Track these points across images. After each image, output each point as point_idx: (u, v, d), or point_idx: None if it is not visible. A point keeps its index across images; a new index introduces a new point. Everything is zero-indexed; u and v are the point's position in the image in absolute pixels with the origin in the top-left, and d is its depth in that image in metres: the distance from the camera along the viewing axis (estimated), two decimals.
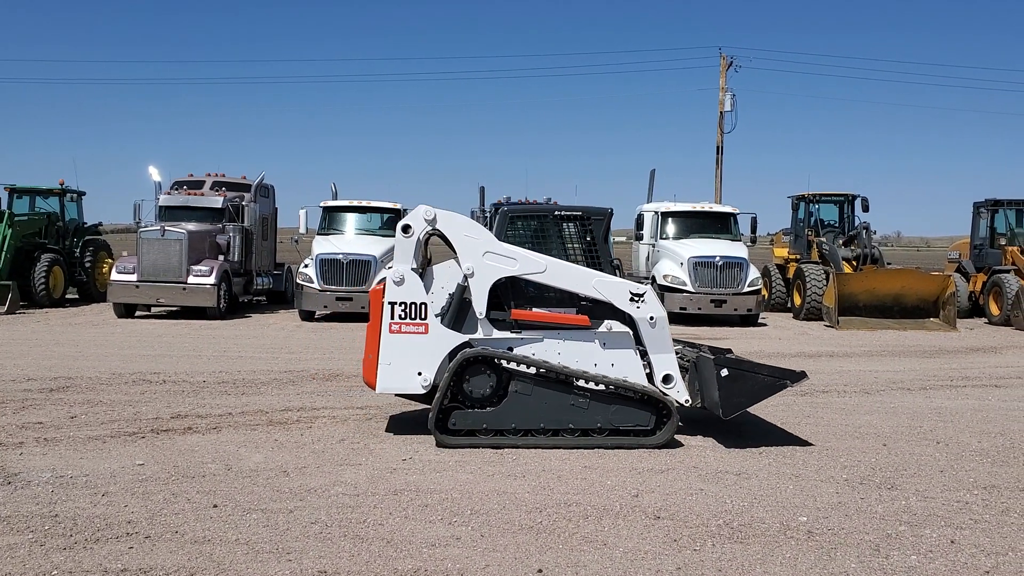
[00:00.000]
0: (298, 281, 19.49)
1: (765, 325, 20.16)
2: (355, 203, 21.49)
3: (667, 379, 7.64)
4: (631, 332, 7.70)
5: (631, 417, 7.46)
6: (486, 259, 7.59)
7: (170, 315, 19.50)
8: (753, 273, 19.98)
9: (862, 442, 7.71)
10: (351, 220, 21.25)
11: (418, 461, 6.82)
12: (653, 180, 25.24)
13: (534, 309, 7.77)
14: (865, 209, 23.28)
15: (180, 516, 5.37)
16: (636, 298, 7.70)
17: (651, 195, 24.98)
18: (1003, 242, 22.46)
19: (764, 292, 23.13)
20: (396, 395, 7.98)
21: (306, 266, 19.41)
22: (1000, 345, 16.39)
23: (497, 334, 7.60)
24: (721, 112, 35.27)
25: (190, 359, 12.50)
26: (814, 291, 20.88)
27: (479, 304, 7.56)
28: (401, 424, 8.20)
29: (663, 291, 19.78)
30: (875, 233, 23.30)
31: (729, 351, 8.66)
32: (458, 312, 7.62)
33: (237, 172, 22.77)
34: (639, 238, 22.55)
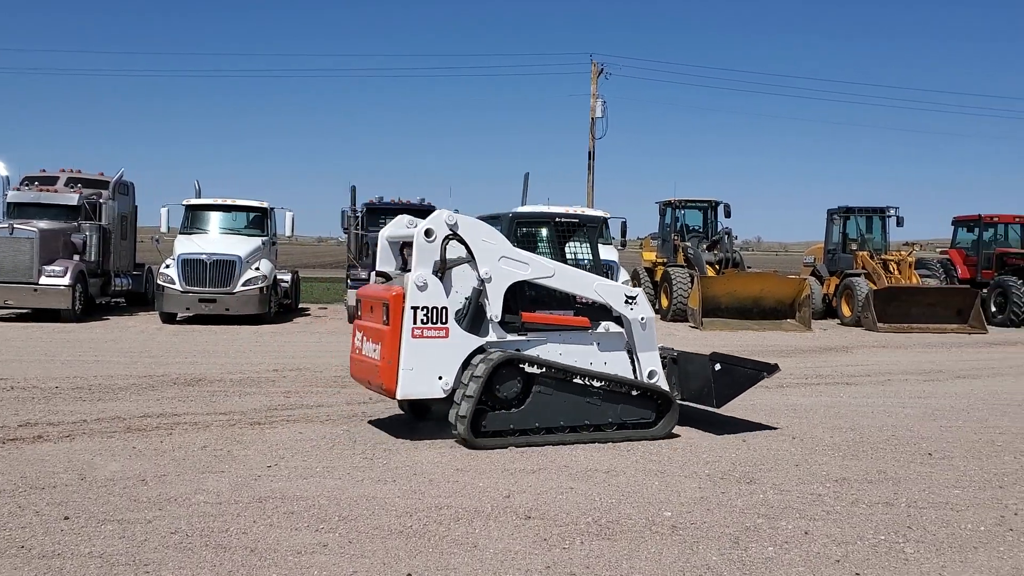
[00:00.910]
0: (159, 282, 18.78)
1: None
2: (219, 201, 20.85)
3: (651, 374, 8.15)
4: (624, 333, 8.15)
5: (635, 412, 7.93)
6: (502, 264, 7.71)
7: (20, 318, 18.40)
8: (623, 276, 20.43)
9: (723, 438, 7.97)
10: (215, 219, 20.61)
11: (284, 467, 6.63)
12: (527, 184, 25.45)
13: (537, 312, 8.00)
14: (727, 215, 24.21)
15: (27, 530, 5.04)
16: (630, 300, 8.21)
17: (525, 199, 25.18)
18: (854, 247, 23.76)
19: None
20: (412, 400, 7.88)
21: (167, 266, 18.72)
22: (851, 345, 17.32)
23: (511, 337, 7.76)
24: (593, 118, 35.96)
25: (42, 364, 11.82)
26: (680, 294, 21.55)
27: (495, 307, 7.67)
28: (266, 430, 7.97)
29: None
30: (737, 238, 24.27)
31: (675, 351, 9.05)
32: (475, 316, 7.64)
33: (95, 169, 21.71)
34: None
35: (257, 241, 20.07)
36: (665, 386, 8.18)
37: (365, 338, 7.89)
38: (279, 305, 20.68)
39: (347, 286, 20.16)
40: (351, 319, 19.82)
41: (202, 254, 18.70)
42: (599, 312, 8.17)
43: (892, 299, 20.69)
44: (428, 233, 7.56)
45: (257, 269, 19.04)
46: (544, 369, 7.63)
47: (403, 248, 8.27)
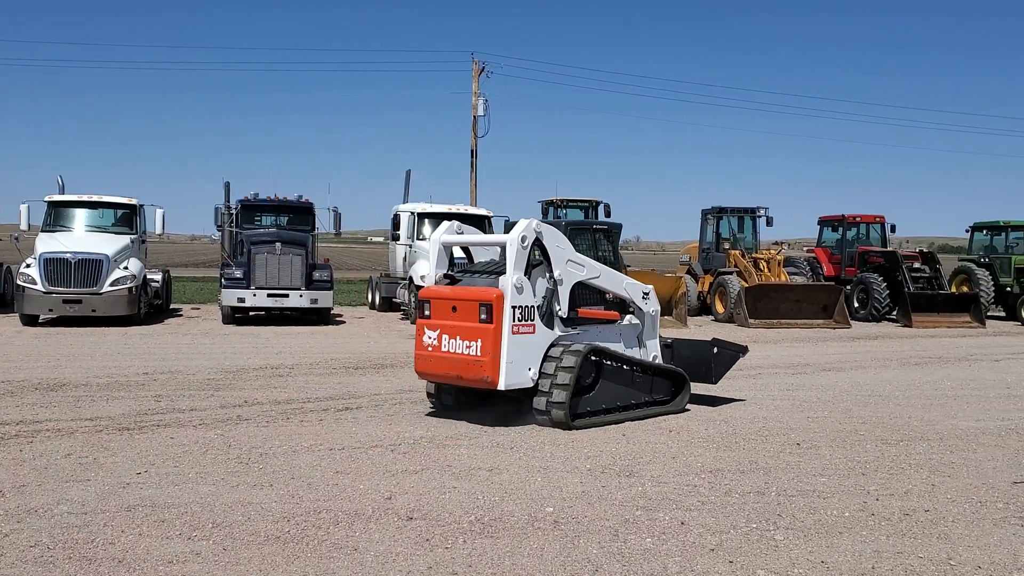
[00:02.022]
0: (19, 282, 17.77)
1: None
2: (85, 198, 19.89)
3: (654, 358, 9.51)
4: (638, 324, 9.41)
5: (659, 391, 9.17)
6: (568, 266, 8.60)
7: None
8: None
9: (604, 433, 8.09)
10: (80, 216, 19.68)
11: (155, 474, 6.36)
12: (409, 181, 25.30)
13: (588, 308, 9.01)
14: (608, 214, 24.68)
15: None
16: (645, 296, 9.51)
17: (407, 196, 25.03)
18: (727, 246, 24.61)
19: None
20: (509, 390, 8.22)
21: (28, 266, 17.75)
22: None
23: (569, 331, 8.64)
24: (475, 116, 36.01)
25: None
26: None
27: (563, 305, 8.51)
28: (135, 435, 7.64)
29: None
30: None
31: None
32: (549, 313, 8.44)
33: None
34: (395, 238, 22.52)
35: (125, 239, 19.23)
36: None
37: (448, 336, 8.35)
38: (149, 306, 19.87)
39: (221, 285, 19.54)
40: (226, 319, 19.40)
41: (66, 253, 17.79)
42: (621, 307, 9.35)
43: (762, 296, 21.51)
44: (523, 240, 8.21)
45: (125, 268, 18.24)
46: (608, 358, 8.70)
47: (451, 250, 9.40)
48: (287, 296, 19.17)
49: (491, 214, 22.51)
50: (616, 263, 9.38)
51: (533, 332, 8.22)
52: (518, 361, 8.11)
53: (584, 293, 8.95)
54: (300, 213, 21.19)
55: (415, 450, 7.26)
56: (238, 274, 19.12)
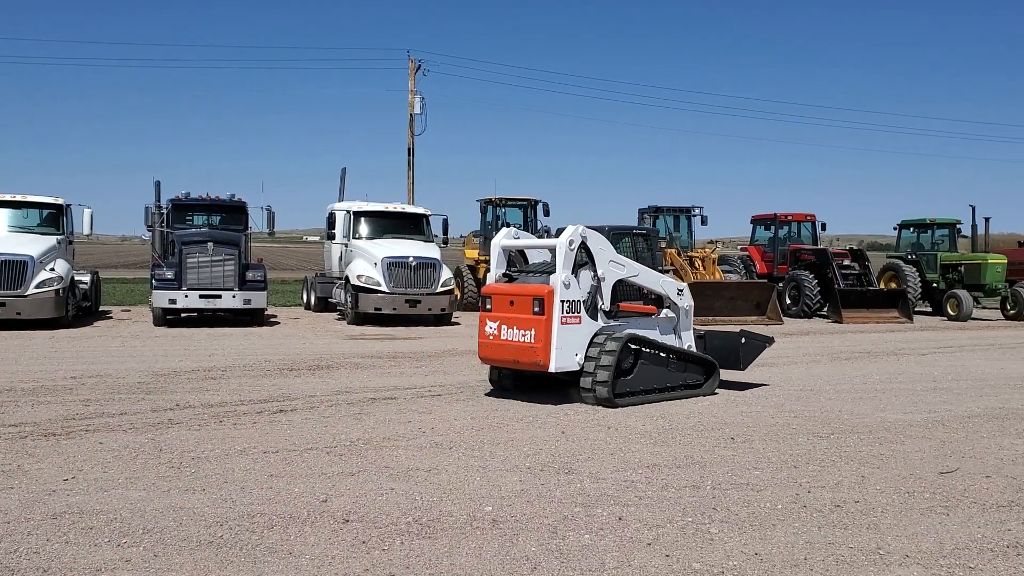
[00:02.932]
0: None
1: (459, 324, 20.75)
2: (8, 197, 19.29)
3: (689, 347, 10.66)
4: (673, 317, 10.61)
5: (692, 376, 10.33)
6: (610, 266, 9.89)
7: None
8: (446, 273, 20.48)
9: (544, 431, 8.11)
10: (3, 217, 19.18)
11: (82, 480, 6.17)
12: (344, 179, 25.07)
13: (630, 303, 10.25)
14: (547, 213, 24.79)
15: None
16: (680, 292, 10.73)
17: (343, 194, 24.81)
18: (663, 245, 24.86)
19: (457, 292, 23.83)
20: (558, 372, 9.41)
21: None
22: None
23: (612, 322, 9.88)
24: (411, 115, 35.84)
25: None
26: None
27: (606, 299, 9.82)
28: (62, 441, 7.41)
29: (357, 291, 19.70)
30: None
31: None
32: (594, 307, 9.71)
33: None
34: (331, 237, 22.30)
35: (51, 240, 18.69)
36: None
37: (507, 326, 9.61)
38: (77, 308, 19.33)
39: (152, 287, 19.11)
40: (158, 321, 18.96)
41: None
42: (657, 301, 10.57)
43: (697, 294, 21.56)
44: (571, 243, 9.49)
45: (52, 270, 17.72)
46: (646, 346, 9.84)
47: (511, 253, 10.52)
48: (220, 297, 18.83)
49: (429, 212, 22.43)
50: (654, 263, 10.88)
51: (579, 323, 9.50)
52: (566, 347, 9.35)
53: (625, 289, 10.25)
54: (232, 212, 20.84)
55: (351, 452, 7.18)
56: (169, 275, 18.71)
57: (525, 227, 25.14)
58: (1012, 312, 25.10)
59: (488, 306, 9.90)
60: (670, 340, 10.52)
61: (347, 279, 20.28)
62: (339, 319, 21.40)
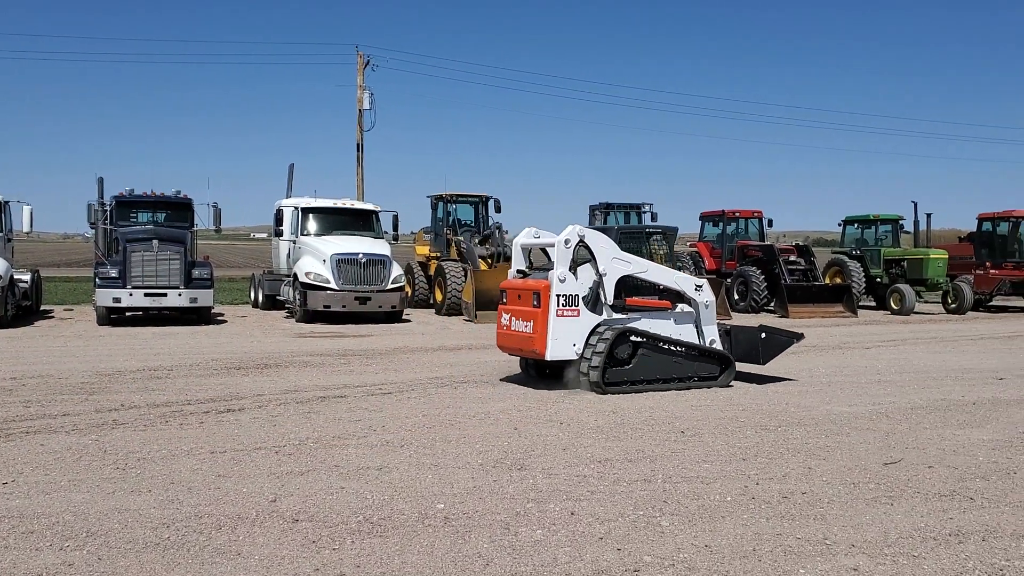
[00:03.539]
0: None
1: (409, 321, 20.65)
2: None
3: (712, 342, 10.86)
4: (694, 312, 10.86)
5: (706, 369, 10.67)
6: (613, 263, 10.36)
7: None
8: (396, 270, 20.36)
9: (496, 427, 8.11)
10: None
11: (23, 483, 6.01)
12: (292, 175, 24.79)
13: (635, 297, 10.65)
14: (498, 210, 24.77)
15: None
16: (698, 288, 10.93)
17: (291, 191, 24.53)
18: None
19: (408, 289, 23.71)
20: (556, 361, 10.17)
21: None
22: None
23: (617, 316, 10.35)
24: (360, 110, 35.56)
25: None
26: (454, 287, 21.78)
27: (609, 294, 10.30)
28: (2, 444, 7.21)
29: (306, 289, 19.50)
30: (507, 232, 24.85)
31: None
32: (595, 301, 10.22)
33: None
34: (279, 234, 22.04)
35: None
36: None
37: (515, 318, 10.37)
38: (17, 308, 18.85)
39: (95, 285, 18.70)
40: (101, 320, 18.56)
41: None
42: (675, 296, 10.85)
43: None
44: (567, 242, 10.11)
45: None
46: (645, 338, 10.24)
47: (530, 252, 11.08)
48: (165, 295, 18.50)
49: (378, 208, 22.28)
50: (671, 261, 11.44)
51: (577, 315, 10.09)
52: (562, 338, 9.98)
53: (640, 284, 10.73)
54: (178, 209, 20.50)
55: (301, 451, 7.09)
56: (113, 273, 18.33)
57: (476, 223, 25.10)
58: (953, 306, 25.72)
59: (504, 299, 10.71)
60: (688, 334, 10.77)
61: (295, 276, 20.06)
62: (287, 317, 21.16)
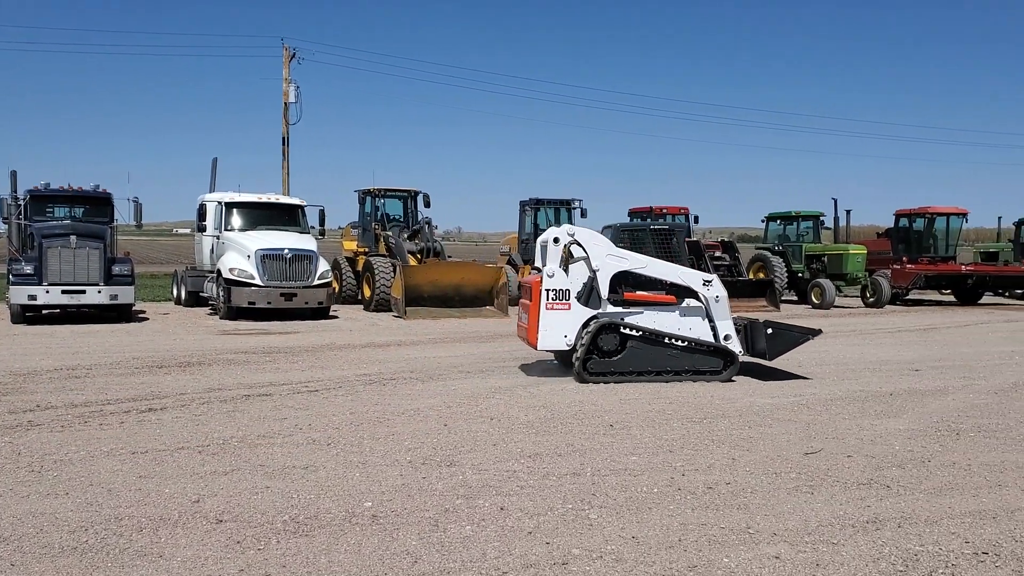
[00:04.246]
0: None
1: (337, 317, 20.42)
2: None
3: (727, 337, 10.91)
4: (703, 307, 10.94)
5: (707, 363, 10.78)
6: (607, 259, 10.75)
7: None
8: (323, 266, 20.11)
9: (425, 424, 8.07)
10: None
11: None
12: (215, 170, 24.29)
13: (638, 292, 10.93)
14: (427, 205, 24.64)
15: None
16: (706, 283, 10.99)
17: (214, 185, 24.04)
18: None
19: (335, 285, 23.46)
20: (550, 351, 11.05)
21: None
22: None
23: (614, 309, 10.76)
24: (286, 103, 35.04)
25: None
26: (383, 283, 21.61)
27: (603, 289, 10.71)
28: None
29: (230, 285, 19.14)
30: (437, 228, 24.77)
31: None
32: (589, 295, 10.68)
33: None
34: (202, 229, 21.58)
35: None
36: (736, 347, 10.90)
37: (522, 311, 11.36)
38: None
39: (9, 282, 18.04)
40: (16, 319, 17.93)
41: None
42: (684, 292, 10.95)
43: None
44: (556, 240, 10.74)
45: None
46: (633, 331, 10.60)
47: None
48: (84, 292, 17.96)
49: (304, 203, 22.00)
50: (679, 257, 11.63)
51: (568, 308, 10.66)
52: (552, 330, 10.63)
53: (650, 281, 11.00)
54: (97, 204, 19.92)
55: (225, 450, 6.95)
56: (28, 270, 17.71)
57: (405, 218, 24.95)
58: (871, 300, 26.52)
59: (521, 295, 11.73)
60: (699, 328, 10.87)
61: (219, 272, 19.66)
62: (211, 314, 20.73)
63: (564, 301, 10.66)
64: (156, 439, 7.34)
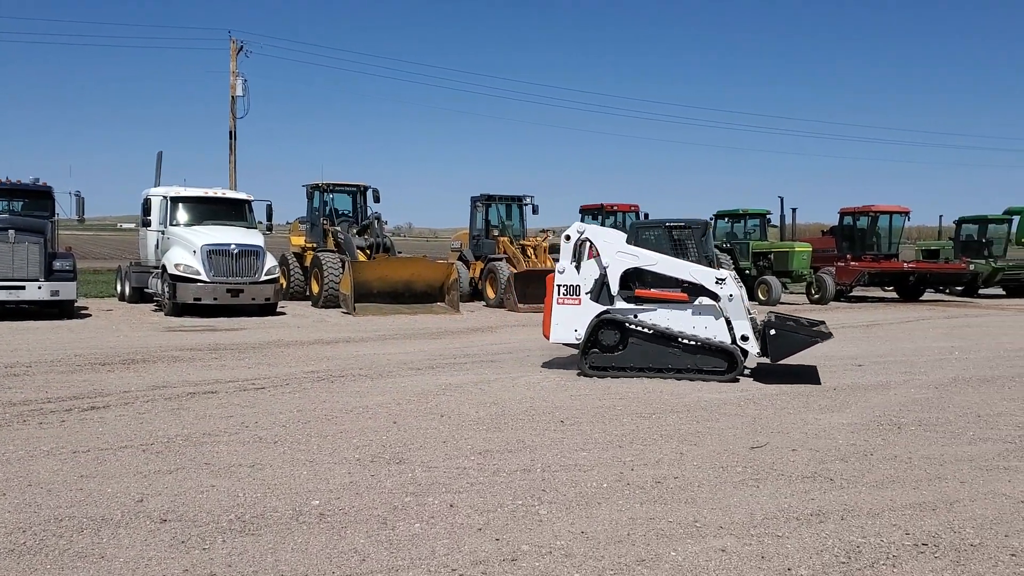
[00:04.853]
0: None
1: (284, 314, 20.19)
2: None
3: (744, 337, 10.68)
4: (717, 305, 10.64)
5: (711, 361, 10.57)
6: (617, 256, 10.90)
7: None
8: (271, 261, 19.87)
9: (374, 422, 8.01)
10: None
11: None
12: (161, 163, 23.83)
13: (652, 290, 10.93)
14: (376, 200, 24.45)
15: None
16: (719, 281, 10.68)
17: (159, 179, 23.58)
18: (496, 233, 25.14)
19: (283, 281, 23.19)
20: (562, 344, 11.28)
21: None
22: (495, 325, 18.30)
23: (625, 306, 10.88)
24: (233, 97, 34.55)
25: None
26: (331, 279, 21.42)
27: (613, 285, 10.90)
28: None
29: (175, 281, 18.82)
30: (387, 223, 24.60)
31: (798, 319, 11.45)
32: (600, 291, 10.90)
33: None
34: (147, 224, 21.17)
35: None
36: (752, 347, 10.66)
37: (544, 305, 11.40)
38: None
39: None
40: None
41: None
42: (700, 290, 10.71)
43: (530, 281, 22.16)
44: (567, 238, 11.09)
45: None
46: (634, 327, 10.67)
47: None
48: (23, 288, 17.50)
49: (252, 198, 21.69)
50: (697, 255, 11.35)
51: (578, 304, 10.94)
52: (563, 323, 10.99)
53: (666, 279, 10.94)
54: (37, 198, 19.45)
55: (169, 449, 6.83)
56: None
57: (354, 214, 24.75)
58: (816, 296, 26.98)
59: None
60: (714, 327, 10.65)
61: (164, 268, 19.31)
62: (156, 310, 20.36)
63: (575, 296, 10.98)
64: (98, 438, 7.18)
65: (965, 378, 11.06)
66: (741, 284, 11.11)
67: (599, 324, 10.71)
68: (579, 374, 10.75)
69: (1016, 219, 33.26)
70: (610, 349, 10.72)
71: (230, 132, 34.75)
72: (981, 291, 31.03)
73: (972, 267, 29.28)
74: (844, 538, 4.96)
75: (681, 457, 6.80)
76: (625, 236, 11.41)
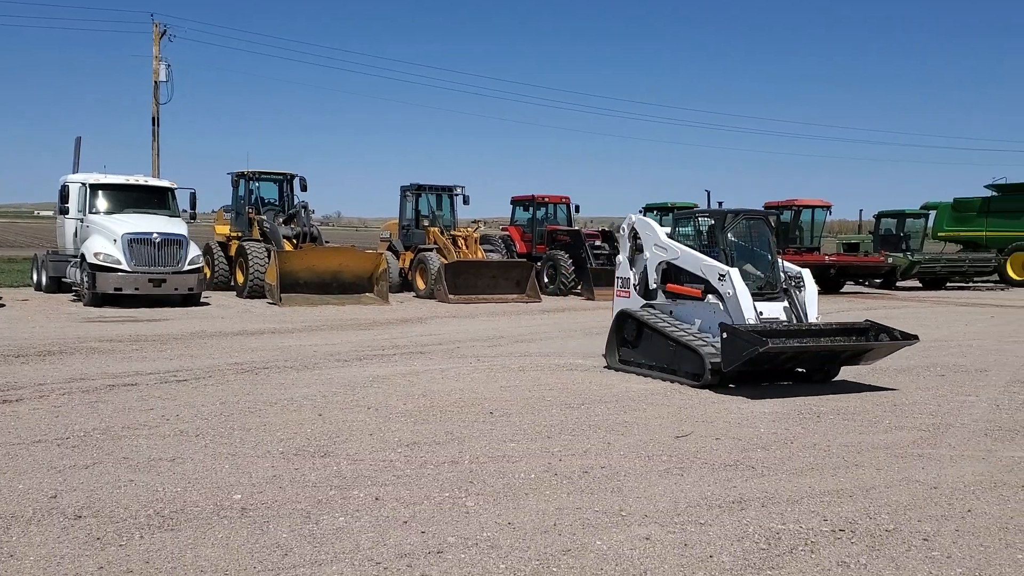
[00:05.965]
0: None
1: (208, 304, 19.76)
2: None
3: None
4: (719, 303, 10.05)
5: (692, 364, 9.76)
6: (654, 249, 10.99)
7: None
8: (194, 251, 19.41)
9: (299, 414, 7.89)
10: None
11: None
12: (79, 149, 23.06)
13: (678, 285, 10.70)
14: (304, 188, 24.08)
15: None
16: (722, 277, 10.04)
17: (77, 166, 22.81)
18: (427, 223, 24.97)
19: (206, 271, 22.70)
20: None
21: None
22: (425, 316, 18.21)
23: (663, 300, 10.90)
24: (156, 82, 33.67)
25: None
26: (257, 269, 21.02)
27: (651, 278, 11.05)
28: None
29: (95, 270, 18.26)
30: (315, 212, 24.24)
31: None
32: (645, 284, 11.15)
33: None
34: (65, 212, 20.47)
35: None
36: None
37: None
38: None
39: None
40: None
41: None
42: (709, 286, 10.25)
43: (461, 272, 22.12)
44: (619, 229, 11.67)
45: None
46: (639, 321, 10.56)
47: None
48: None
49: (175, 186, 21.13)
50: (712, 246, 10.75)
51: (628, 296, 11.36)
52: None
53: (688, 273, 10.62)
54: None
55: (86, 443, 6.62)
56: None
57: (281, 202, 24.32)
58: None
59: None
60: (709, 326, 10.01)
61: (83, 257, 18.70)
62: (74, 300, 19.74)
63: (626, 289, 11.39)
64: (10, 432, 6.93)
65: (883, 367, 11.38)
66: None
67: (619, 317, 10.85)
68: (606, 367, 10.84)
69: (933, 214, 34.42)
70: (630, 343, 10.70)
71: (153, 118, 33.88)
72: (899, 283, 32.00)
73: (890, 260, 30.16)
74: (765, 525, 5.06)
75: (608, 447, 6.86)
76: (668, 230, 11.17)
